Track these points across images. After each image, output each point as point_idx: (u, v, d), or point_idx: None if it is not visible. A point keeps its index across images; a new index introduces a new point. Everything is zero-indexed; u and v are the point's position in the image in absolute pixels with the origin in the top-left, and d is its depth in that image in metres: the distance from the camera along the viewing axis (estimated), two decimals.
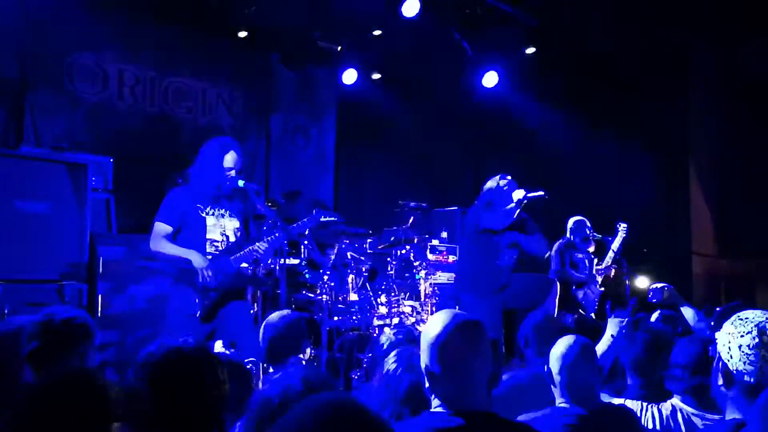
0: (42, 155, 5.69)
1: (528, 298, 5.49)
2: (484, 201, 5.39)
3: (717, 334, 2.14)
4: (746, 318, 2.07)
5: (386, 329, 3.45)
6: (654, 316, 4.21)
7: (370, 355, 4.54)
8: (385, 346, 3.08)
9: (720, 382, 2.09)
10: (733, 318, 2.12)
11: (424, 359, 2.11)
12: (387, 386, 2.39)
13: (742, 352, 2.02)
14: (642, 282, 6.66)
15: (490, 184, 5.43)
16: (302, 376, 1.92)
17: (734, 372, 2.04)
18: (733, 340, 2.05)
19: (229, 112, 8.59)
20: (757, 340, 2.01)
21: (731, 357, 2.05)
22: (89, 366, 2.87)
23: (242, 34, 7.97)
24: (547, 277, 6.19)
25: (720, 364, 2.09)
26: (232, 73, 8.53)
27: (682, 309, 4.43)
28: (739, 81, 8.43)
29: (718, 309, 4.72)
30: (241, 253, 4.39)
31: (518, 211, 5.30)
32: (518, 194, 5.25)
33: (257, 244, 4.41)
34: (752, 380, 2.01)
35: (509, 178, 5.43)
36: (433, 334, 2.09)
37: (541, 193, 5.25)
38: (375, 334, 5.86)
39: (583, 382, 2.67)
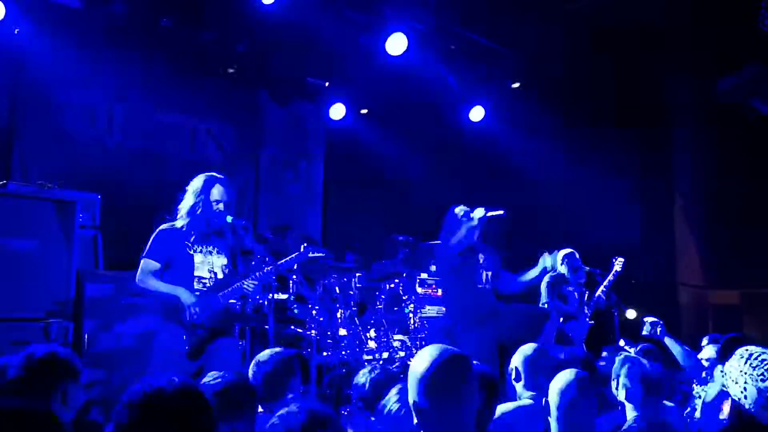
0: (29, 193, 5.65)
1: (524, 332, 5.48)
2: (446, 232, 5.45)
3: (727, 369, 2.13)
4: (764, 359, 2.07)
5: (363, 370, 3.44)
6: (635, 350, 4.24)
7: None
8: (367, 386, 3.07)
9: (723, 416, 2.08)
10: (747, 355, 2.10)
11: (412, 395, 2.11)
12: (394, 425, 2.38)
13: (763, 396, 2.03)
14: (630, 314, 6.66)
15: (448, 216, 5.51)
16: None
17: (750, 412, 2.04)
18: (750, 382, 2.05)
19: (218, 148, 8.61)
20: None
21: (746, 398, 2.05)
22: (72, 404, 2.84)
23: (231, 70, 8.03)
24: (543, 309, 6.19)
25: (731, 401, 2.09)
26: (221, 109, 8.57)
27: (668, 344, 4.46)
28: (721, 112, 8.55)
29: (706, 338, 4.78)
30: (229, 289, 4.38)
31: (479, 231, 5.37)
32: (479, 213, 5.31)
33: (245, 281, 4.39)
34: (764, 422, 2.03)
35: (463, 207, 5.50)
36: (421, 370, 2.09)
37: (500, 212, 5.32)
38: None
39: (582, 416, 2.67)
